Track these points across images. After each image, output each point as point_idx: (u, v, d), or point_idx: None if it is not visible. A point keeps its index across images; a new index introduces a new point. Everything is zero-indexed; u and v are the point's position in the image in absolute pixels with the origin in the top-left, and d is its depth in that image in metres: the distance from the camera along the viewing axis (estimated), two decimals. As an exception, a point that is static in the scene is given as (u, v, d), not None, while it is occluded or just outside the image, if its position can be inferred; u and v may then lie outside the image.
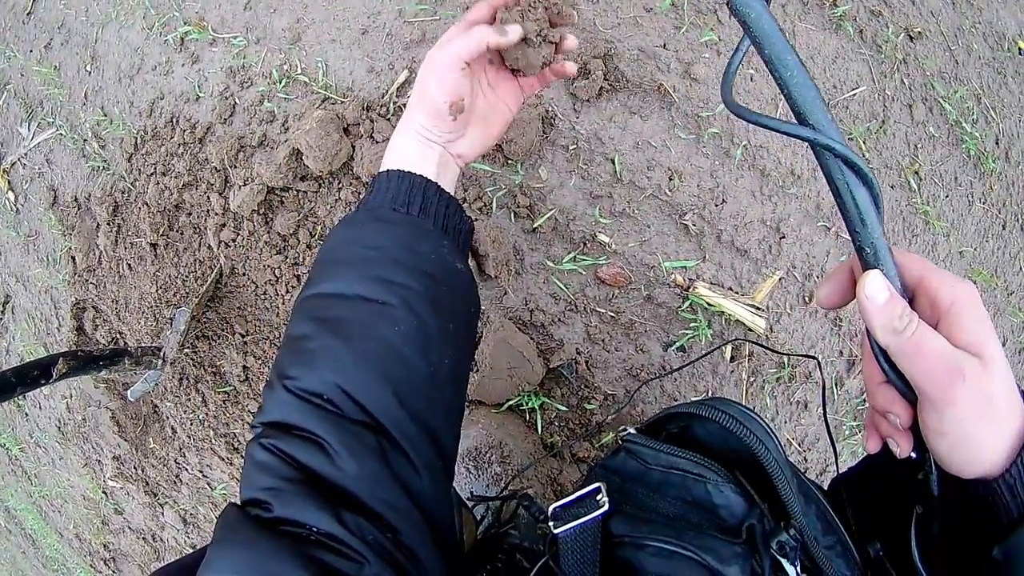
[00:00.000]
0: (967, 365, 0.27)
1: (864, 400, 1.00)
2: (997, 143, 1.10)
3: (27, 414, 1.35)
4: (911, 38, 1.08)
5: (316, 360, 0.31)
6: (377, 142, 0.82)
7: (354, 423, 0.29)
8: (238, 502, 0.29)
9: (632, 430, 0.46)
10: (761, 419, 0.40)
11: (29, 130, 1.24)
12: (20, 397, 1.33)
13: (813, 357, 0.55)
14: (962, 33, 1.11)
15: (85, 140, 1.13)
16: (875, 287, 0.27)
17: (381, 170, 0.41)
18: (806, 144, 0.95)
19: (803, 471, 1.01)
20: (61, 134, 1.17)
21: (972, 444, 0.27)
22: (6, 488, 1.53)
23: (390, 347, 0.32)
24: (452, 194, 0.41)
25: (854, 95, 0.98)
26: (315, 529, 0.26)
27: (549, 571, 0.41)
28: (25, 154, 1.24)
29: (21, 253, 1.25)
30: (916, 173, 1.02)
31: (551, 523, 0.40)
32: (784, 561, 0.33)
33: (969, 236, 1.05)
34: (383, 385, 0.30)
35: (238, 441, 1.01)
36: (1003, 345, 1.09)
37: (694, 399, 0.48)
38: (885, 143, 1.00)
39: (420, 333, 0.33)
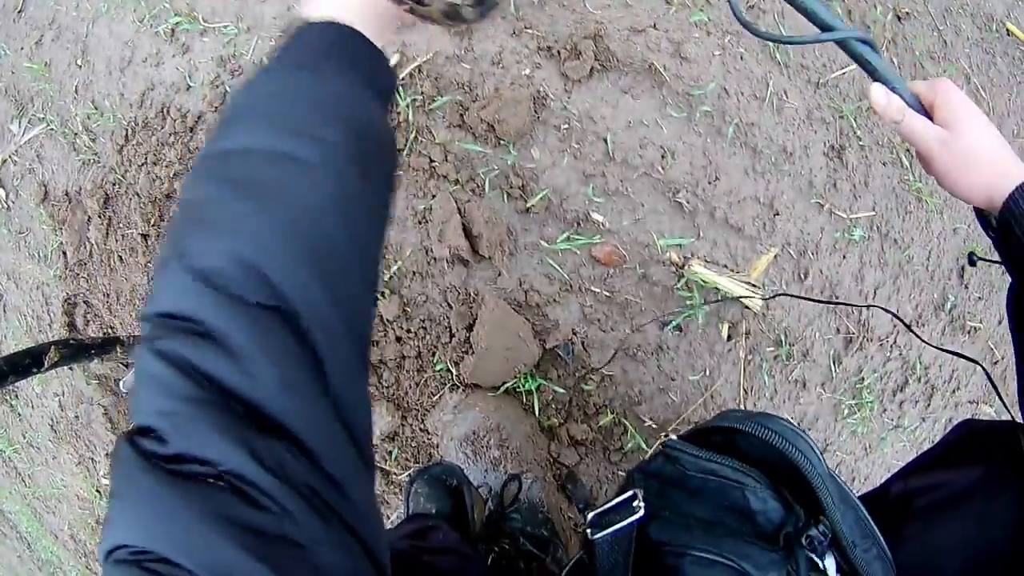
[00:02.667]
0: (938, 135, 0.42)
1: (862, 379, 1.00)
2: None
3: (20, 414, 1.34)
4: (899, 18, 1.08)
5: (221, 228, 0.24)
6: (368, 125, 0.82)
7: (265, 310, 0.23)
8: (131, 429, 0.23)
9: (674, 437, 0.46)
10: (802, 433, 0.40)
11: (20, 127, 1.24)
12: (13, 397, 1.32)
13: (976, 361, 0.53)
14: (950, 14, 1.12)
15: (76, 134, 1.12)
16: (876, 94, 0.42)
17: (305, 19, 0.34)
18: (798, 120, 0.95)
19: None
20: (52, 129, 1.17)
21: (961, 185, 0.42)
22: (0, 491, 1.51)
23: (311, 213, 0.25)
24: (382, 47, 0.35)
25: (843, 74, 0.99)
26: (222, 468, 0.20)
27: (582, 570, 0.41)
28: (16, 151, 1.24)
29: (12, 250, 1.24)
30: (908, 150, 1.02)
31: (588, 530, 0.40)
32: (816, 558, 0.33)
33: (963, 212, 1.05)
34: (304, 260, 0.24)
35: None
36: (999, 323, 1.09)
37: (731, 411, 0.48)
38: (875, 121, 1.00)
39: (344, 198, 0.27)
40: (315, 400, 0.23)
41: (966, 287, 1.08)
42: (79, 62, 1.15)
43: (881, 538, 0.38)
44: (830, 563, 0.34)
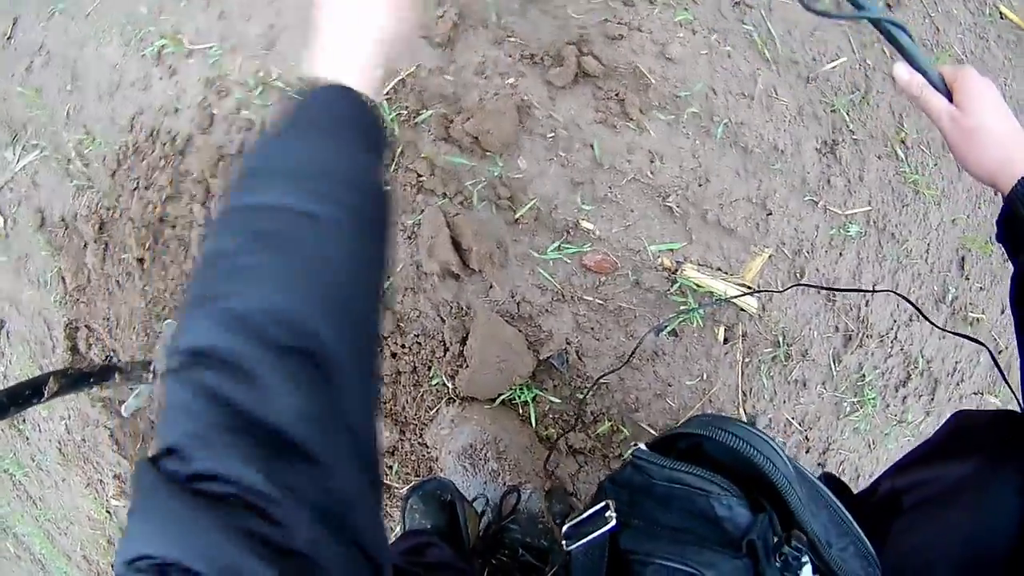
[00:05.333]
0: (950, 111, 0.46)
1: (863, 376, 1.00)
2: None
3: (28, 438, 1.37)
4: (889, 6, 1.07)
5: (250, 278, 0.27)
6: (354, 142, 0.83)
7: (290, 351, 0.26)
8: (152, 453, 0.25)
9: (642, 445, 0.47)
10: (765, 436, 0.41)
11: (14, 154, 1.26)
12: (20, 421, 1.35)
13: (982, 343, 0.57)
14: (945, 4, 1.11)
15: (69, 160, 1.14)
16: (899, 70, 0.48)
17: (317, 78, 0.38)
18: (789, 117, 0.95)
19: (806, 449, 1.01)
20: (45, 155, 1.19)
21: (969, 161, 0.46)
22: (13, 514, 1.55)
23: (331, 266, 0.29)
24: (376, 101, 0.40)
25: (834, 67, 0.98)
26: (240, 486, 0.22)
27: None
28: (12, 178, 1.26)
29: (13, 277, 1.26)
30: (903, 142, 1.02)
31: (564, 541, 0.42)
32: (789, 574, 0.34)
33: (961, 203, 1.04)
34: (324, 306, 0.28)
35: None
36: (1001, 312, 1.08)
37: (698, 416, 0.49)
38: (869, 113, 1.00)
39: (359, 253, 0.31)
40: (330, 429, 0.26)
41: (967, 278, 1.07)
42: (69, 87, 1.17)
43: (861, 535, 0.39)
44: (807, 572, 0.34)
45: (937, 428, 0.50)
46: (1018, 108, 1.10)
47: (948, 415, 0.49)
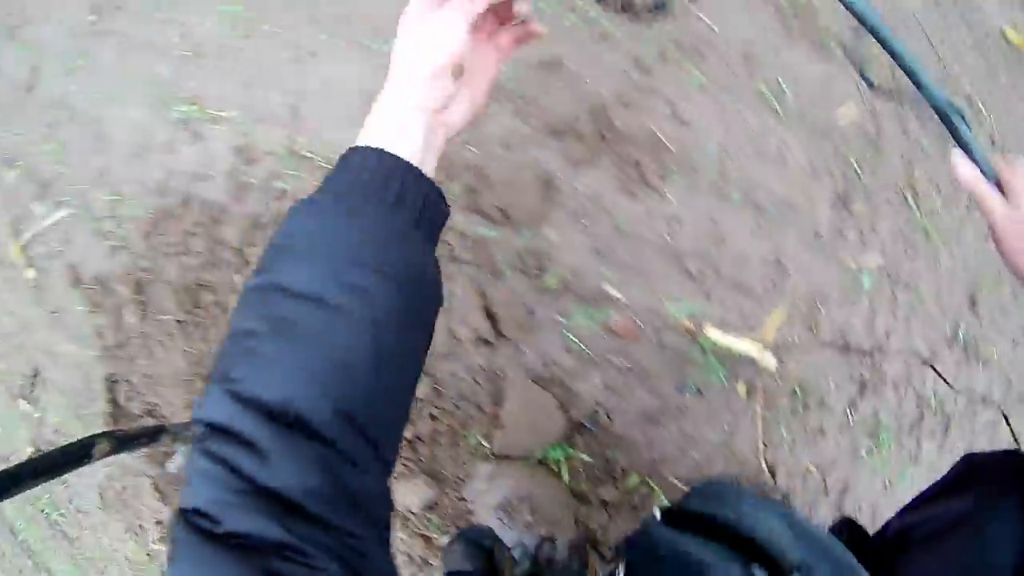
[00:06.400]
0: (1001, 205, 0.47)
1: (878, 420, 1.06)
2: (992, 142, 1.14)
3: (65, 481, 1.45)
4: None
5: (263, 365, 0.29)
6: (387, 216, 0.89)
7: (298, 434, 0.28)
8: (184, 507, 0.28)
9: (657, 512, 0.51)
10: (762, 506, 0.45)
11: (43, 207, 1.33)
12: (57, 466, 1.42)
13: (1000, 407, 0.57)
14: (948, 33, 1.15)
15: (100, 219, 1.20)
16: (956, 159, 0.48)
17: (356, 144, 0.36)
18: (802, 172, 1.00)
19: (824, 493, 1.07)
20: (76, 213, 1.25)
21: (1018, 259, 0.46)
22: (46, 551, 1.63)
23: (347, 361, 0.30)
24: (432, 177, 0.38)
25: (844, 116, 1.03)
26: (265, 539, 0.26)
27: None
28: (42, 232, 1.33)
29: (47, 329, 1.33)
30: (913, 188, 1.07)
31: None
32: None
33: (969, 243, 1.09)
34: (335, 402, 0.29)
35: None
36: (1012, 346, 1.14)
37: (708, 486, 0.53)
38: (880, 162, 1.05)
39: (377, 346, 0.31)
40: (337, 497, 0.29)
41: (977, 315, 1.12)
42: (96, 146, 1.23)
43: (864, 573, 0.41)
44: None
45: (948, 471, 0.55)
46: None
47: (962, 451, 0.53)
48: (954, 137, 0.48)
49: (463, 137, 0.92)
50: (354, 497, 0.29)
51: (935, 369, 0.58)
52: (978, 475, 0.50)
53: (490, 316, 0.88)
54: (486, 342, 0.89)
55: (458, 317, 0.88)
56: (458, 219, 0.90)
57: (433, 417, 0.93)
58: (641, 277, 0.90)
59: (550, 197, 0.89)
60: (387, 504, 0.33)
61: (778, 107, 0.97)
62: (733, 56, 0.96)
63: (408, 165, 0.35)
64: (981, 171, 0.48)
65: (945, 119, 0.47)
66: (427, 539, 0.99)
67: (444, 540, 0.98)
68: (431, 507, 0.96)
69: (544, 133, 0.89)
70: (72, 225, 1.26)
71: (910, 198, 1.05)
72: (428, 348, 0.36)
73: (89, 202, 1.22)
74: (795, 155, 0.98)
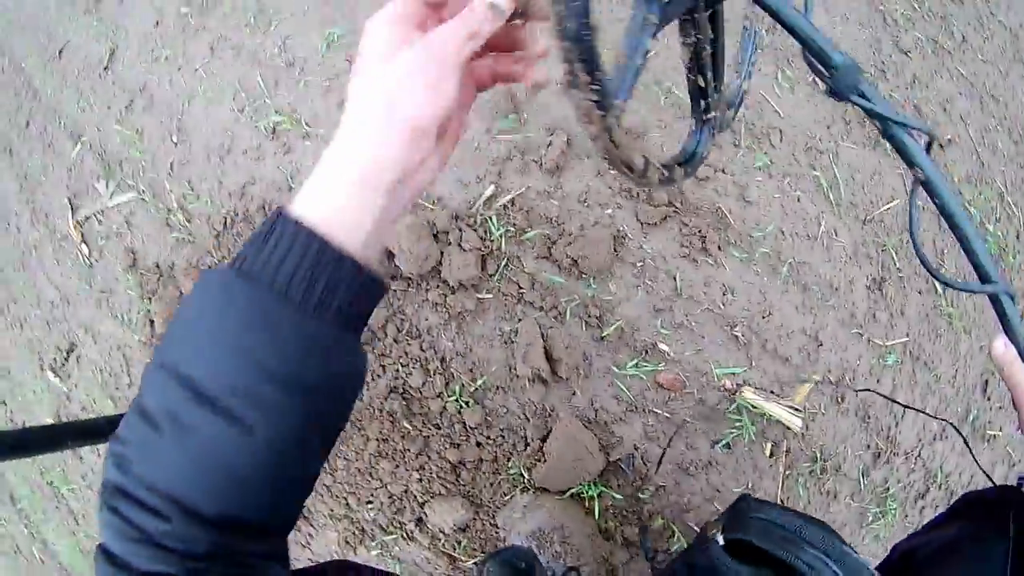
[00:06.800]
0: None
1: (887, 489, 1.14)
2: (1018, 237, 1.25)
3: (82, 458, 1.47)
4: (942, 147, 1.23)
5: (159, 460, 0.29)
6: (465, 250, 0.96)
7: (189, 516, 0.29)
8: (102, 545, 0.30)
9: (720, 539, 0.56)
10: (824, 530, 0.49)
11: (107, 188, 1.37)
12: (80, 441, 1.45)
13: (948, 420, 0.66)
14: (988, 133, 1.26)
15: (170, 210, 1.25)
16: (997, 343, 0.45)
17: (294, 215, 0.30)
18: (845, 256, 1.09)
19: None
20: (143, 200, 1.30)
21: None
22: (47, 522, 1.64)
23: (240, 476, 0.29)
24: (380, 255, 0.37)
25: (888, 208, 1.13)
26: (180, 568, 0.28)
27: None
28: (102, 211, 1.37)
29: (92, 307, 1.37)
30: (941, 279, 1.17)
31: None
32: None
33: (988, 331, 1.19)
34: (222, 504, 0.29)
35: (310, 512, 1.13)
36: (1017, 429, 1.24)
37: (766, 519, 0.60)
38: (914, 253, 1.15)
39: (279, 460, 0.30)
40: (227, 559, 0.30)
41: (988, 398, 1.22)
42: (174, 138, 1.28)
43: None
44: None
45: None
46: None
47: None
48: (1000, 318, 0.46)
49: (545, 189, 0.99)
50: (249, 556, 0.31)
51: (959, 432, 0.67)
52: (976, 506, 0.56)
53: (549, 358, 0.95)
54: (542, 380, 0.95)
55: (520, 355, 0.94)
56: (530, 264, 0.97)
57: (479, 445, 0.99)
58: (692, 337, 0.97)
59: (618, 254, 0.96)
60: (284, 550, 0.34)
61: (831, 195, 1.07)
62: (798, 144, 1.05)
63: (341, 260, 0.30)
64: (1021, 355, 0.45)
65: (996, 302, 0.46)
66: (452, 559, 1.04)
67: (470, 564, 1.03)
68: (463, 528, 1.02)
69: (621, 196, 0.97)
70: (137, 211, 1.30)
71: (938, 287, 1.15)
72: (326, 458, 0.35)
73: (159, 192, 1.27)
74: (841, 240, 1.07)
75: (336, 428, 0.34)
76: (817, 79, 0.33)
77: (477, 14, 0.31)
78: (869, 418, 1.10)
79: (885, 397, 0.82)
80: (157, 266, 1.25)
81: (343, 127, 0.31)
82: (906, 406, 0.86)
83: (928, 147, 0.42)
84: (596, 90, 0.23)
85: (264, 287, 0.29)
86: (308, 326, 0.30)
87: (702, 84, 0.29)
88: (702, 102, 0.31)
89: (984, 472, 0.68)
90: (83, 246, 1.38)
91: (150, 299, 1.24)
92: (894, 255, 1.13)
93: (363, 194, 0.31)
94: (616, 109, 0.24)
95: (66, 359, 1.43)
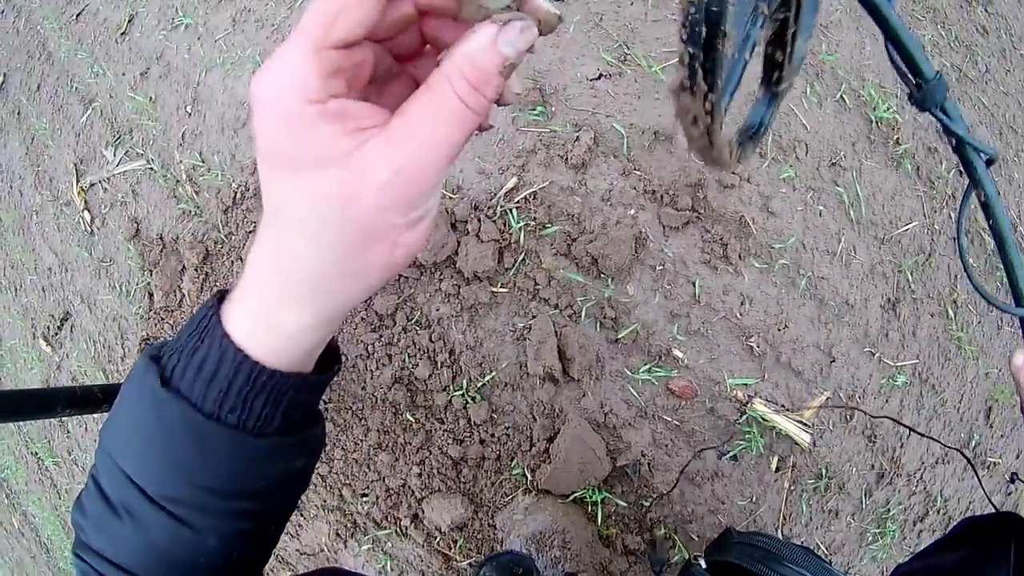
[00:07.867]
0: None
1: (888, 510, 1.14)
2: None
3: (69, 432, 1.44)
4: (960, 173, 1.23)
5: (114, 539, 0.29)
6: (482, 241, 0.94)
7: None
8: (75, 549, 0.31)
9: (703, 563, 0.58)
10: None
11: (115, 155, 1.34)
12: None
13: (960, 450, 0.67)
14: (1005, 163, 1.27)
15: (178, 181, 1.23)
16: (1018, 357, 0.46)
17: (225, 325, 0.27)
18: (862, 274, 1.09)
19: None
20: (152, 169, 1.27)
21: None
22: (29, 494, 1.60)
23: (192, 563, 0.30)
24: (336, 349, 0.32)
25: (906, 230, 1.13)
26: None
27: None
28: (108, 178, 1.34)
29: (91, 276, 1.34)
30: (954, 302, 1.17)
31: None
32: None
33: (995, 358, 1.20)
34: None
35: (302, 502, 1.11)
36: (1016, 457, 1.24)
37: (747, 539, 0.60)
38: (929, 275, 1.15)
39: (228, 548, 0.30)
40: None
41: (991, 426, 1.22)
42: (188, 109, 1.25)
43: None
44: None
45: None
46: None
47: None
48: None
49: (569, 185, 0.98)
50: None
51: (970, 462, 0.67)
52: (976, 532, 0.57)
53: (562, 357, 0.93)
54: (553, 380, 0.94)
55: (532, 352, 0.93)
56: (548, 260, 0.96)
57: (483, 442, 0.97)
58: (708, 345, 0.97)
59: (639, 255, 0.95)
60: None
61: (851, 212, 1.07)
62: (823, 159, 1.05)
63: (280, 377, 0.27)
64: None
65: None
66: (447, 559, 1.02)
67: (464, 564, 1.02)
68: (460, 527, 1.00)
69: (645, 197, 0.96)
70: (144, 180, 1.28)
71: (950, 310, 1.15)
72: (276, 541, 0.35)
73: (168, 162, 1.24)
74: (859, 258, 1.07)
75: (296, 502, 0.35)
76: (903, 83, 0.32)
77: (490, 84, 0.22)
78: (876, 438, 1.10)
79: (904, 425, 0.81)
80: (160, 238, 1.23)
81: (282, 239, 0.25)
82: (921, 434, 0.86)
83: (987, 166, 0.42)
84: (712, 99, 0.20)
85: (194, 409, 0.27)
86: (247, 445, 0.28)
87: (779, 58, 0.28)
88: (775, 73, 0.29)
89: (988, 498, 0.68)
90: (85, 213, 1.35)
91: (151, 271, 1.22)
92: (909, 276, 1.13)
93: (315, 327, 0.27)
94: (723, 114, 0.22)
95: (59, 328, 1.39)
